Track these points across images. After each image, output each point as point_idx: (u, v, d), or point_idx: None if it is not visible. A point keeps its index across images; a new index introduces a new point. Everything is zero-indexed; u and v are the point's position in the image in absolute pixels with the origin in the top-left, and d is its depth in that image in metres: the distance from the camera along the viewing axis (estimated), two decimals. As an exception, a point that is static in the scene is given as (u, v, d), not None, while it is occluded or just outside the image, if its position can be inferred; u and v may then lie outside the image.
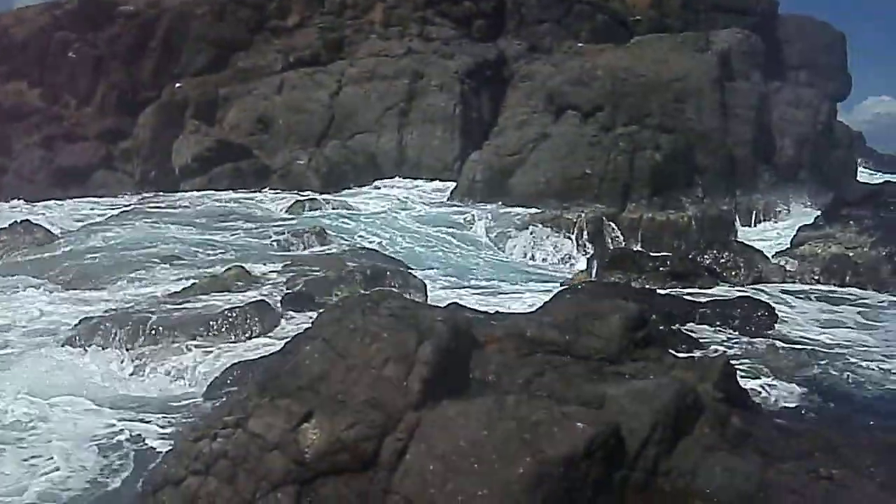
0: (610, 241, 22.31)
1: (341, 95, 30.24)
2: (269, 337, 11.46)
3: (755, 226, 26.17)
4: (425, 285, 14.53)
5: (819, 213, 22.95)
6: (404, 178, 28.54)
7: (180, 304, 12.70)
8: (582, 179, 24.86)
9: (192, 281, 13.98)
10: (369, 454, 5.56)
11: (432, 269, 17.85)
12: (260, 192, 26.42)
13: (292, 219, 22.29)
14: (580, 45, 31.86)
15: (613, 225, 23.33)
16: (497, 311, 9.69)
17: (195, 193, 26.10)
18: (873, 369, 11.95)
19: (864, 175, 35.77)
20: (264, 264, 15.56)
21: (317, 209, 23.19)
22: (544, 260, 21.04)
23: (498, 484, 4.85)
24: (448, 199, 26.01)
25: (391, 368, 5.88)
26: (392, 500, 5.32)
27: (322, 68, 31.24)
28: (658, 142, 25.66)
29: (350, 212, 23.34)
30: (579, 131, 26.76)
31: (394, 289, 13.50)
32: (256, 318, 11.73)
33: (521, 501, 4.79)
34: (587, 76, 28.51)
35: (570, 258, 20.91)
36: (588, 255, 16.68)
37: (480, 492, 4.90)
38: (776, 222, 26.60)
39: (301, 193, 25.62)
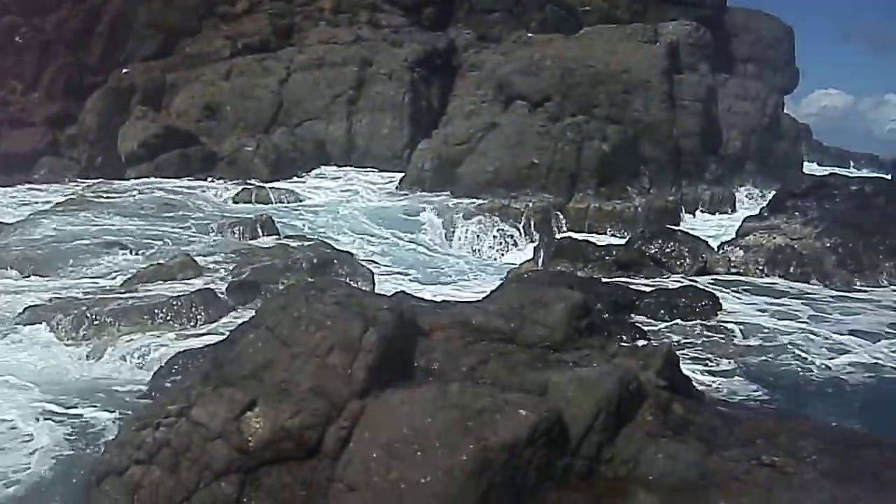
0: (557, 230, 22.41)
1: (290, 82, 29.98)
2: (215, 325, 11.40)
3: (701, 216, 26.40)
4: (373, 274, 14.51)
5: (765, 204, 23.24)
6: (353, 167, 28.43)
7: (125, 293, 12.56)
8: (530, 169, 24.91)
9: (137, 270, 13.83)
10: (313, 442, 5.55)
11: (379, 258, 17.84)
12: (206, 180, 26.11)
13: (239, 208, 22.14)
14: (530, 35, 31.91)
15: (561, 215, 23.47)
16: (444, 300, 9.70)
17: (141, 181, 25.73)
18: (815, 359, 12.16)
19: (810, 167, 36.22)
20: (210, 253, 15.42)
21: (263, 200, 23.03)
22: (491, 248, 21.13)
23: (441, 471, 4.86)
24: (397, 188, 26.00)
25: (336, 356, 5.87)
26: (336, 489, 5.31)
27: (271, 55, 30.95)
28: (606, 132, 25.81)
29: (298, 204, 23.25)
30: (528, 121, 26.82)
31: (341, 277, 13.45)
32: (202, 307, 11.63)
33: (464, 488, 4.80)
34: (536, 66, 28.57)
35: (516, 248, 21.00)
36: (535, 245, 16.71)
37: (423, 479, 4.91)
38: (722, 213, 26.91)
39: (248, 182, 25.39)
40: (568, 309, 6.67)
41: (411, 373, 6.07)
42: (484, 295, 10.36)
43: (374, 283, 13.96)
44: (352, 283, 13.00)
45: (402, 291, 11.68)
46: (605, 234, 22.87)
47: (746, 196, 28.14)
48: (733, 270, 17.40)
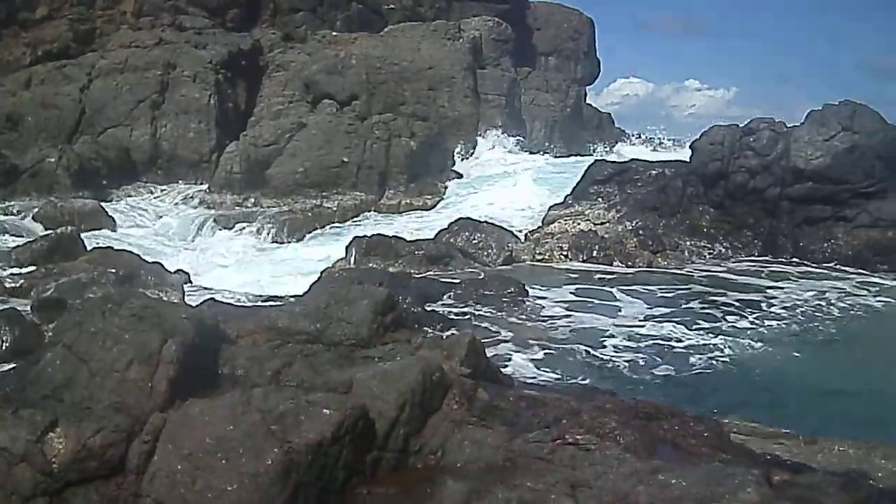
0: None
1: (92, 89, 28.90)
2: (21, 346, 10.91)
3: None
4: (182, 283, 14.20)
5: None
6: (158, 183, 27.69)
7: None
8: (340, 168, 24.97)
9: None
10: (117, 459, 5.40)
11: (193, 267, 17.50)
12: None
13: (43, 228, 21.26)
14: (335, 34, 31.88)
15: (374, 212, 23.63)
16: (255, 305, 9.62)
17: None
18: (617, 338, 12.67)
19: (612, 154, 37.44)
20: (14, 272, 14.80)
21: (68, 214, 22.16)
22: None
23: (247, 477, 4.81)
24: (208, 191, 25.68)
25: (135, 370, 5.73)
26: (144, 504, 5.18)
27: (72, 61, 29.77)
28: (413, 129, 26.08)
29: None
30: (336, 120, 26.83)
31: (149, 288, 13.10)
32: (6, 328, 11.08)
33: (270, 492, 4.77)
34: (342, 65, 28.61)
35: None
36: (347, 243, 16.73)
37: (230, 487, 4.84)
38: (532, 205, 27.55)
39: (51, 197, 24.17)
40: (372, 305, 6.72)
41: (216, 381, 5.98)
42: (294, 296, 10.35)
43: (183, 293, 13.66)
44: (161, 293, 12.72)
45: (213, 299, 11.51)
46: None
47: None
48: (539, 258, 17.91)
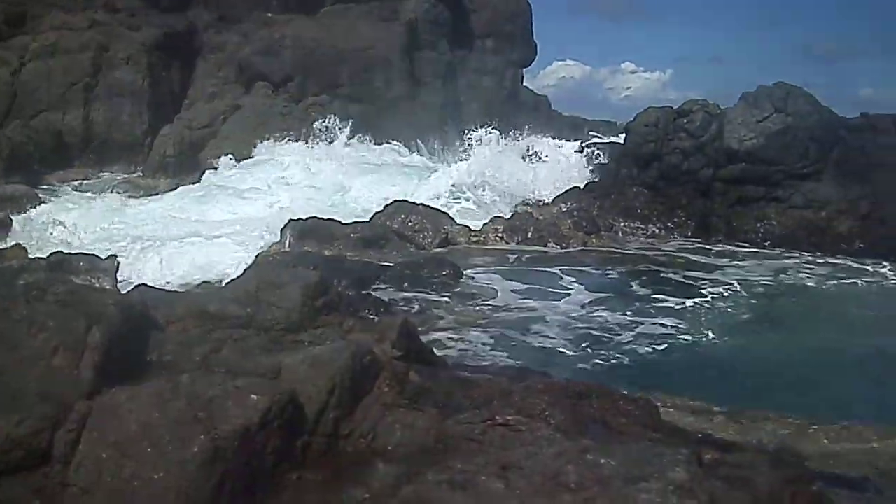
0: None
1: (23, 72, 28.41)
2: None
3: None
4: (115, 269, 13.98)
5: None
6: (91, 168, 27.20)
7: None
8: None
9: None
10: (43, 449, 5.30)
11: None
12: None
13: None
14: (270, 14, 31.57)
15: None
16: (186, 291, 9.51)
17: None
18: (552, 320, 12.78)
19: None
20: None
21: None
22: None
23: (173, 465, 4.74)
24: (142, 175, 25.35)
25: (61, 358, 5.62)
26: (70, 493, 5.08)
27: (2, 44, 29.14)
28: (348, 111, 25.95)
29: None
30: (270, 102, 26.67)
31: (80, 274, 12.89)
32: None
33: (197, 479, 4.70)
34: (277, 46, 28.38)
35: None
36: (282, 227, 16.61)
37: (156, 475, 4.77)
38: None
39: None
40: (303, 289, 6.68)
41: (144, 368, 5.89)
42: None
43: (116, 279, 13.46)
44: (93, 279, 12.52)
45: (144, 284, 11.35)
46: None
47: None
48: (474, 240, 17.98)
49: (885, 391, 11.02)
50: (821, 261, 20.10)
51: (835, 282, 18.03)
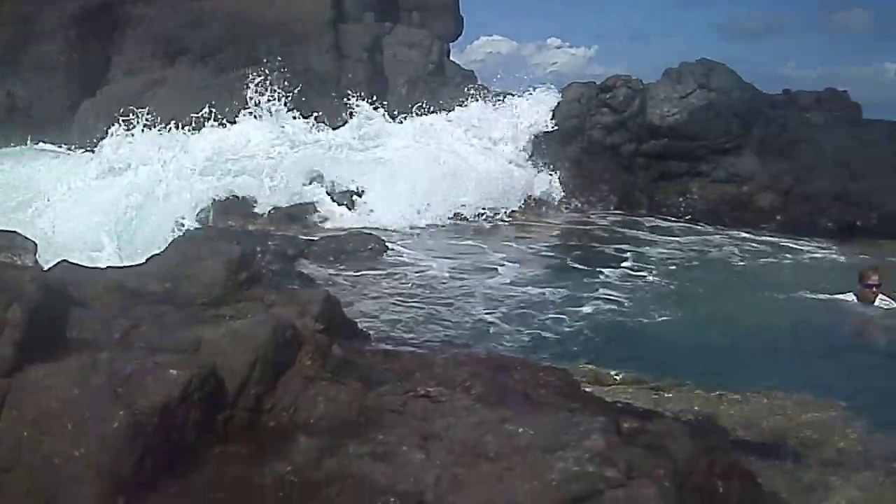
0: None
1: (-59, 45, 27.67)
2: None
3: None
4: (35, 246, 13.71)
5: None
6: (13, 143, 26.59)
7: None
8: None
9: None
10: (-37, 428, 5.23)
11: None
12: None
13: None
14: (194, -13, 31.05)
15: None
16: (108, 267, 9.36)
17: None
18: (477, 293, 12.87)
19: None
20: None
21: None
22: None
23: (94, 441, 4.72)
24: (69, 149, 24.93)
25: (-22, 336, 5.54)
26: (-11, 472, 5.03)
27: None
28: (274, 84, 25.69)
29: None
30: (195, 75, 26.30)
31: (1, 252, 12.63)
32: None
33: (119, 455, 4.69)
34: (202, 19, 27.97)
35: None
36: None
37: (77, 452, 4.74)
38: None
39: None
40: (225, 263, 6.65)
41: (65, 345, 5.82)
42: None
43: (36, 256, 13.21)
44: (13, 257, 12.27)
45: (66, 260, 11.16)
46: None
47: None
48: (400, 215, 18.02)
49: (803, 362, 11.32)
50: (744, 235, 20.52)
51: (757, 256, 18.44)
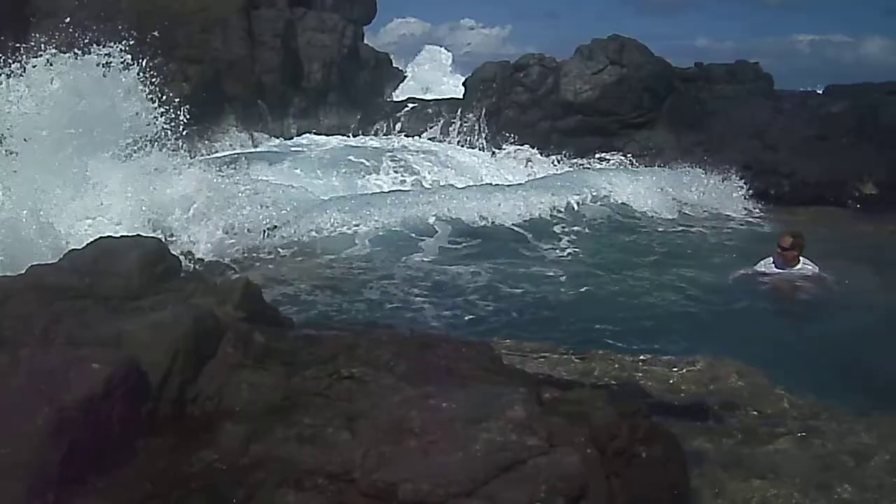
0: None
1: None
2: None
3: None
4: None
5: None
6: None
7: None
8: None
9: None
10: None
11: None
12: None
13: None
14: (102, -23, 30.43)
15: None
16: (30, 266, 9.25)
17: None
18: (399, 272, 12.93)
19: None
20: None
21: None
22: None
23: (18, 439, 4.69)
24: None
25: None
26: None
27: None
28: (187, 73, 25.40)
29: None
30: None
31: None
32: None
33: (45, 451, 4.68)
34: (111, 9, 27.46)
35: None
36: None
37: (2, 449, 4.73)
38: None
39: None
40: (142, 256, 6.63)
41: (-17, 344, 5.77)
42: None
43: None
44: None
45: (-22, 260, 11.01)
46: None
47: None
48: (321, 197, 17.99)
49: (723, 328, 11.63)
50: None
51: (674, 226, 18.83)
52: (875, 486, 6.06)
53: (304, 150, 24.50)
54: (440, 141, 24.67)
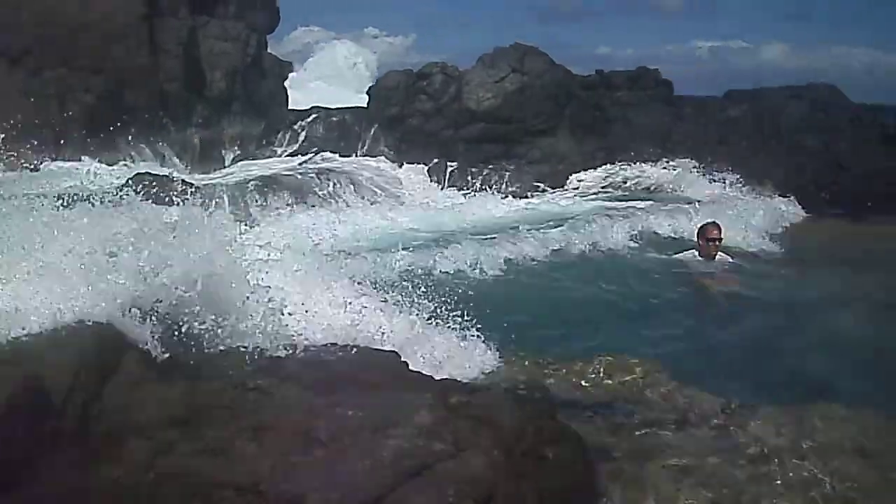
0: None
1: None
2: None
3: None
4: None
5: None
6: None
7: None
8: (11, 130, 23.49)
9: None
10: None
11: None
12: None
13: None
14: (3, -15, 29.65)
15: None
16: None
17: None
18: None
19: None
20: None
21: None
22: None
23: (-83, 460, 4.63)
24: None
25: None
26: None
27: None
28: (88, 84, 24.98)
29: None
30: (8, 78, 25.26)
31: None
32: None
33: (-55, 473, 4.62)
34: (12, 19, 26.80)
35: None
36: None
37: None
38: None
39: None
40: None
41: None
42: None
43: None
44: None
45: None
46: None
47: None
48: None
49: (634, 324, 11.74)
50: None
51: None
52: (773, 472, 6.33)
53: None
54: (346, 156, 24.37)
